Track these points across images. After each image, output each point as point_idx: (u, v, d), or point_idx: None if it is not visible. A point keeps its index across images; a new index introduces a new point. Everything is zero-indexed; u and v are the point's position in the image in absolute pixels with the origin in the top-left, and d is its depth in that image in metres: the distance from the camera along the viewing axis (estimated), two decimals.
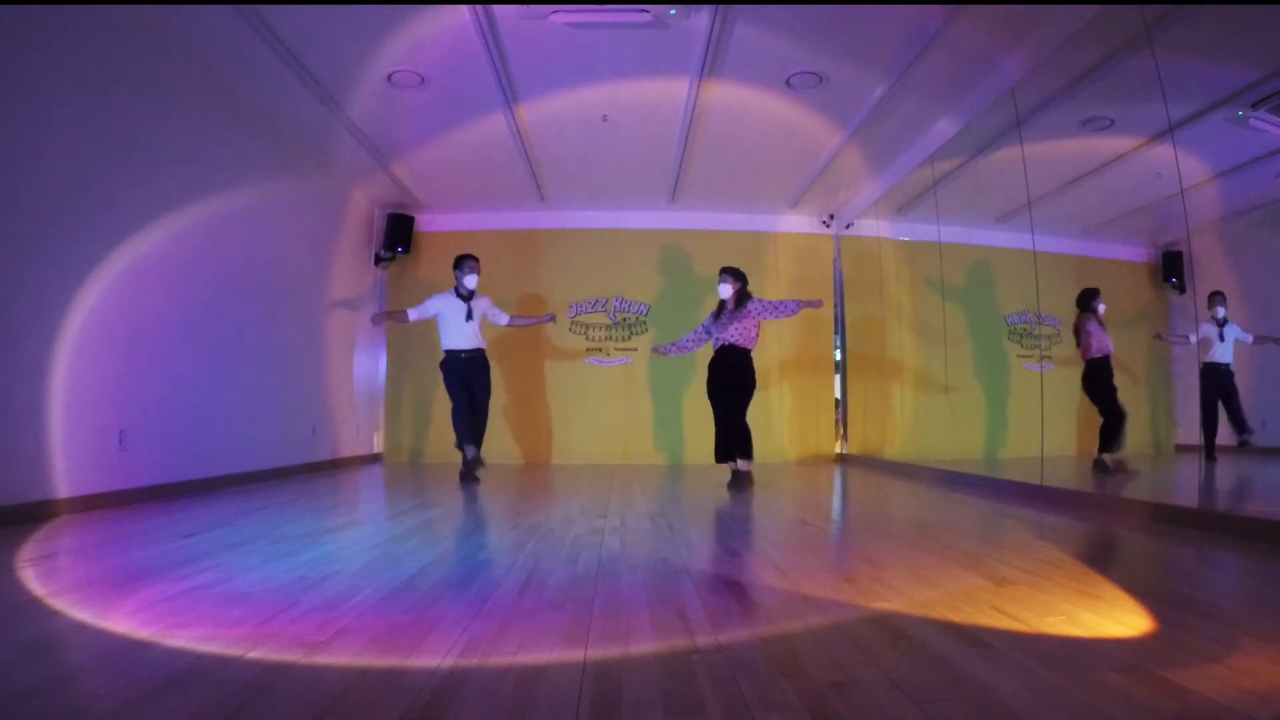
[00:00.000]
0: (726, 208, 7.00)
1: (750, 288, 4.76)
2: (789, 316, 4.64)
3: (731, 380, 4.52)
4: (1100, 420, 4.66)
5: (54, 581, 1.93)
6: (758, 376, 7.29)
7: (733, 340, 4.54)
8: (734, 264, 7.11)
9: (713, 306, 7.08)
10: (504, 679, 1.26)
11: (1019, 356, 5.94)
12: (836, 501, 4.14)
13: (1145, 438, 5.70)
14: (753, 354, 4.60)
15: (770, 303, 4.65)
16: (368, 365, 6.81)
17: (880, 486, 4.77)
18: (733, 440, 4.47)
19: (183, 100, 3.96)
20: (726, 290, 4.64)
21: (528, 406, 6.92)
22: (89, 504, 3.31)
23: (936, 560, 2.25)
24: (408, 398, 6.96)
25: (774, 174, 6.07)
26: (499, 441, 6.87)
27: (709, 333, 4.75)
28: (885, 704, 1.14)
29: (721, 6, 3.58)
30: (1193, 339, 4.32)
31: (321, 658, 1.35)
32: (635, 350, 6.90)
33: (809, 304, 4.69)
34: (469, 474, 4.80)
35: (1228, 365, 4.14)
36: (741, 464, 4.44)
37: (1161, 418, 5.53)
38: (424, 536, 2.69)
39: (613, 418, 6.91)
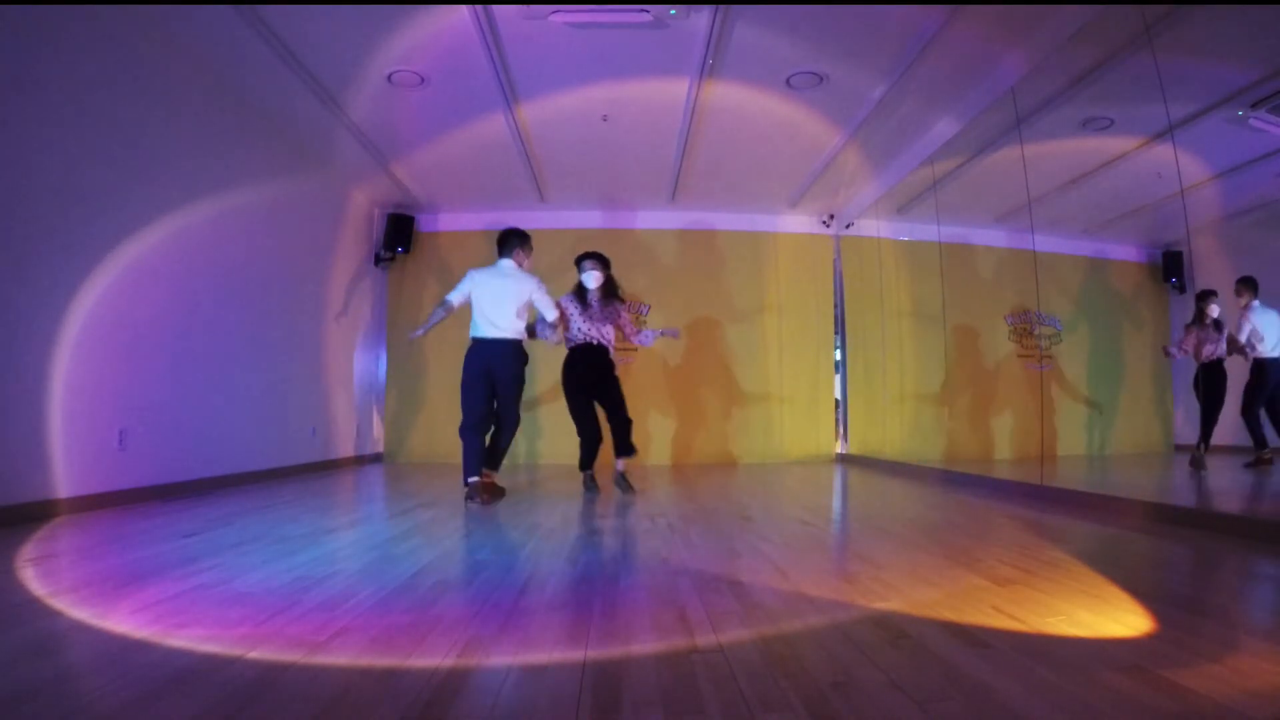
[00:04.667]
0: (726, 207, 7.00)
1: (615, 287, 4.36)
2: (643, 345, 4.44)
3: (607, 385, 4.21)
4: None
5: (54, 581, 1.93)
6: (762, 375, 7.28)
7: (601, 342, 4.21)
8: (734, 263, 7.20)
9: (714, 306, 7.18)
10: (504, 679, 1.26)
11: (1019, 356, 5.94)
12: (836, 501, 4.13)
13: (1145, 437, 5.71)
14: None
15: (632, 326, 4.38)
16: (368, 365, 6.81)
17: (880, 486, 4.77)
18: (628, 437, 4.20)
19: (183, 100, 3.96)
20: (595, 279, 4.21)
21: (527, 406, 6.92)
22: (89, 504, 3.31)
23: (936, 560, 2.25)
24: (408, 398, 6.96)
25: (774, 174, 6.07)
26: None
27: (571, 318, 4.23)
28: (885, 704, 1.14)
29: (721, 6, 3.58)
30: (1245, 334, 4.04)
31: (321, 658, 1.35)
32: (635, 350, 6.90)
33: (666, 333, 4.52)
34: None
35: (1277, 360, 4.04)
36: (622, 464, 4.31)
37: (1162, 417, 5.53)
38: (424, 536, 2.69)
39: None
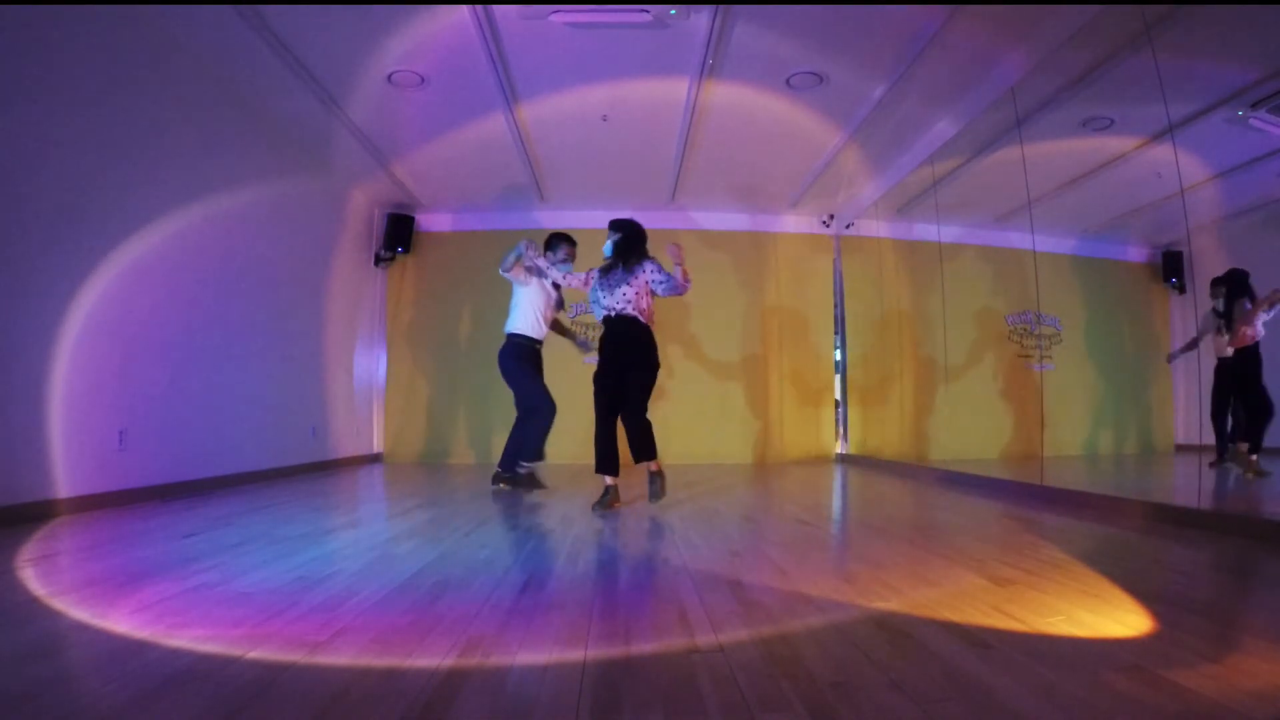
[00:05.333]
0: (726, 207, 7.00)
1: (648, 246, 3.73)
2: (678, 294, 3.58)
3: (631, 361, 3.55)
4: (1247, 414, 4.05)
5: (54, 581, 1.93)
6: (762, 375, 7.16)
7: (622, 309, 3.55)
8: (735, 263, 7.19)
9: (713, 306, 7.17)
10: (504, 679, 1.26)
11: (1019, 356, 5.94)
12: (836, 501, 4.13)
13: (1146, 437, 5.71)
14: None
15: (660, 271, 3.61)
16: (368, 365, 6.81)
17: (880, 486, 4.77)
18: (641, 442, 3.58)
19: (183, 100, 3.96)
20: (610, 247, 3.67)
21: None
22: (89, 504, 3.31)
23: (936, 560, 2.25)
24: (408, 397, 6.96)
25: (774, 174, 6.07)
26: (499, 442, 6.86)
27: (593, 292, 3.71)
28: (885, 704, 1.14)
29: (721, 6, 3.58)
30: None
31: (321, 658, 1.35)
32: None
33: (677, 260, 3.51)
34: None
35: None
36: (652, 465, 3.61)
37: (1163, 417, 5.53)
38: (424, 536, 2.69)
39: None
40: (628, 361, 3.57)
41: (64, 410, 3.20)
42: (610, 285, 3.63)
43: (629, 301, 3.57)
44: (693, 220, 7.11)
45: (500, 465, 4.33)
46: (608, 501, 3.49)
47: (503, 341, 4.32)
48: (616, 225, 3.73)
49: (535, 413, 4.21)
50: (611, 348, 3.60)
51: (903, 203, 6.10)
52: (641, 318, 3.60)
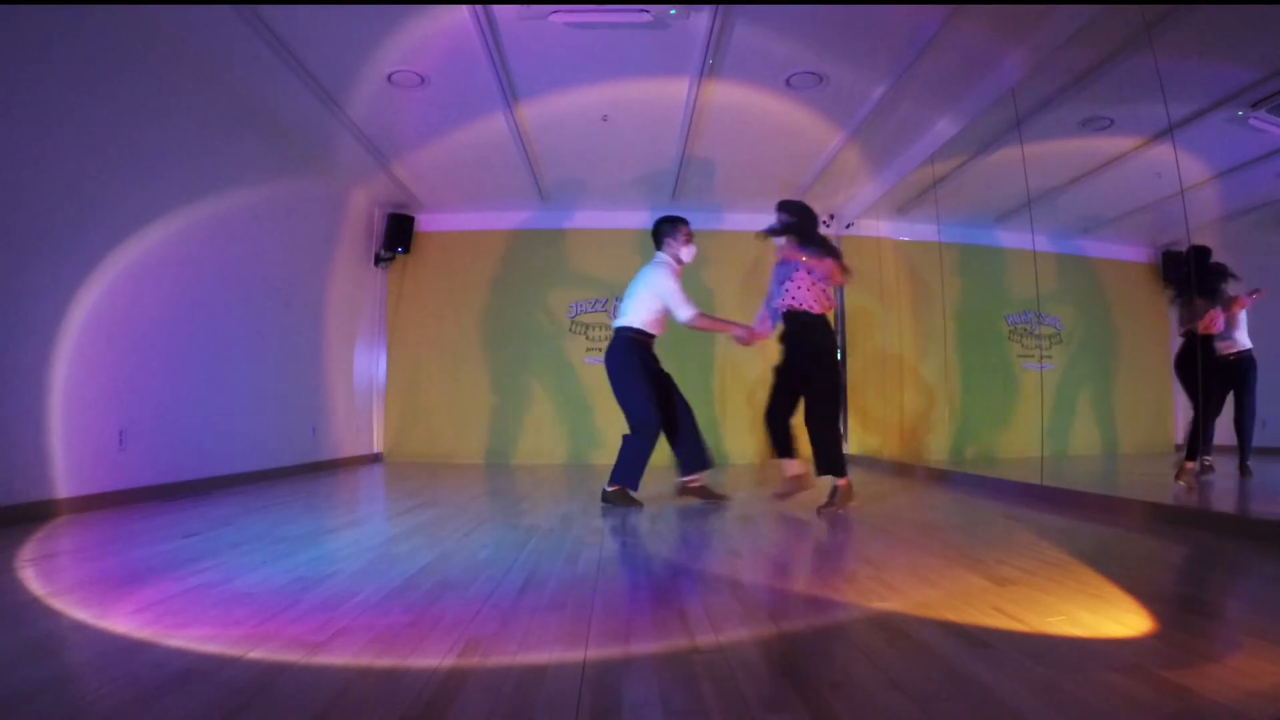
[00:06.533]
0: (727, 207, 7.00)
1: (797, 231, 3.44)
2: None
3: (805, 358, 3.43)
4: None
5: (54, 581, 1.93)
6: (762, 375, 7.21)
7: (791, 303, 3.39)
8: (735, 263, 7.18)
9: (714, 306, 7.15)
10: (504, 679, 1.26)
11: (1019, 356, 5.95)
12: None
13: (1146, 437, 5.71)
14: (822, 322, 3.40)
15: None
16: (368, 365, 6.81)
17: (880, 486, 4.77)
18: (818, 450, 3.49)
19: (183, 100, 3.96)
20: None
21: (528, 406, 6.92)
22: (89, 504, 3.31)
23: (936, 560, 2.25)
24: (408, 398, 6.96)
25: (774, 174, 6.07)
26: (500, 442, 6.87)
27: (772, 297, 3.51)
28: (885, 704, 1.14)
29: (721, 6, 3.58)
30: None
31: (321, 658, 1.35)
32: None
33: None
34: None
35: None
36: (840, 480, 3.46)
37: (1162, 417, 5.53)
38: (424, 536, 2.69)
39: (615, 418, 6.90)
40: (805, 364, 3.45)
41: (64, 410, 3.20)
42: (779, 277, 3.46)
43: (791, 296, 3.39)
44: (693, 220, 7.07)
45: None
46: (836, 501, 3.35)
47: (618, 337, 3.71)
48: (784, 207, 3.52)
49: (637, 431, 3.62)
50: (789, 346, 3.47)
51: (903, 202, 6.10)
52: (813, 309, 3.38)
